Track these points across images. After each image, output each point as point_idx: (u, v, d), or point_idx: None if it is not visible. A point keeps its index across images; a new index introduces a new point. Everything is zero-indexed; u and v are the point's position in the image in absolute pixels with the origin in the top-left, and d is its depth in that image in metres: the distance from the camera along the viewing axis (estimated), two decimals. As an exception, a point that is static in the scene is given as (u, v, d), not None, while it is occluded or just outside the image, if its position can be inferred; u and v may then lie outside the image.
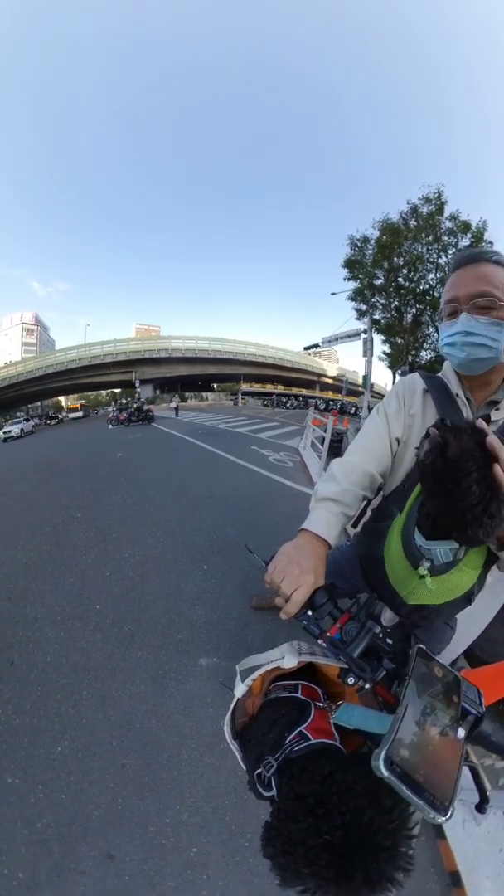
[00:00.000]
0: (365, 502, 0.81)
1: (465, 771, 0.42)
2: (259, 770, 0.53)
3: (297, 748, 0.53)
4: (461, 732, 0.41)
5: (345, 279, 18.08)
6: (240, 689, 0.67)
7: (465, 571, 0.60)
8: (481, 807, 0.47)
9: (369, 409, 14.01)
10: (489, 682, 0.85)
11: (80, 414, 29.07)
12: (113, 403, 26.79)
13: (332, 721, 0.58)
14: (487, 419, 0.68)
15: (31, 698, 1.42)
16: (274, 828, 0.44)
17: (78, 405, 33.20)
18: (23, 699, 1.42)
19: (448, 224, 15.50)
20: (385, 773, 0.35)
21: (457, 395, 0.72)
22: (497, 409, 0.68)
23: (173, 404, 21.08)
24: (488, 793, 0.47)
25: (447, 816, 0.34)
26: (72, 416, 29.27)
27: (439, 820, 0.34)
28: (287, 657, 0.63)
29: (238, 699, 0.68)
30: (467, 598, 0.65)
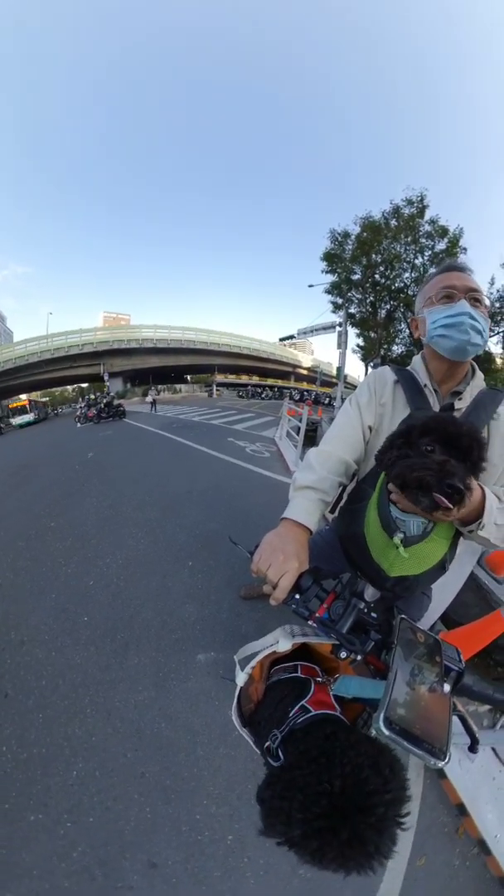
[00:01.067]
0: (341, 488, 0.86)
1: (455, 719, 0.47)
2: (267, 744, 0.57)
3: (300, 720, 0.57)
4: (447, 687, 0.46)
5: (323, 272, 18.19)
6: (241, 678, 0.70)
7: (436, 541, 0.66)
8: (473, 748, 0.53)
9: (343, 400, 14.51)
10: (465, 641, 0.99)
11: (29, 418, 19.12)
12: (80, 399, 22.60)
13: (331, 693, 0.63)
14: (451, 408, 0.75)
15: (34, 728, 1.37)
16: (276, 775, 0.47)
17: (26, 401, 21.84)
18: (25, 730, 1.36)
19: (427, 227, 16.10)
20: (386, 732, 0.39)
21: (425, 385, 0.78)
22: (460, 399, 0.75)
23: (149, 398, 17.69)
24: (477, 734, 0.53)
25: (445, 761, 0.39)
26: (17, 421, 18.97)
27: (439, 765, 0.39)
28: (281, 641, 0.68)
29: (241, 688, 0.71)
30: (442, 566, 0.72)
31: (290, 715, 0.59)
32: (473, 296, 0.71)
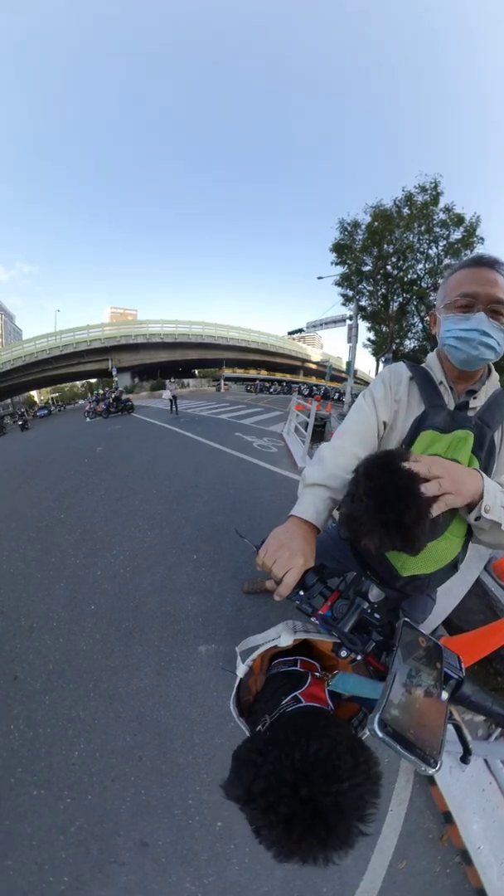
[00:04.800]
0: None
1: (449, 727, 0.46)
2: (258, 728, 0.58)
3: (289, 709, 0.58)
4: (444, 695, 0.45)
5: (332, 263, 17.65)
6: (241, 670, 0.71)
7: (450, 539, 0.66)
8: (465, 758, 0.52)
9: (353, 395, 14.22)
10: (467, 649, 0.97)
11: None
12: (89, 395, 22.79)
13: (328, 688, 0.63)
14: (466, 406, 0.74)
15: (40, 709, 1.44)
16: (257, 736, 0.49)
17: None
18: (32, 711, 1.43)
19: (441, 216, 15.36)
20: (380, 734, 0.38)
21: (440, 383, 0.77)
22: (475, 398, 0.74)
23: (167, 394, 12.41)
24: (470, 745, 0.53)
25: (436, 768, 0.38)
26: None
27: (430, 772, 0.38)
28: (283, 636, 0.68)
29: (241, 679, 0.72)
30: (454, 566, 0.72)
31: (282, 703, 0.60)
32: (494, 307, 0.67)
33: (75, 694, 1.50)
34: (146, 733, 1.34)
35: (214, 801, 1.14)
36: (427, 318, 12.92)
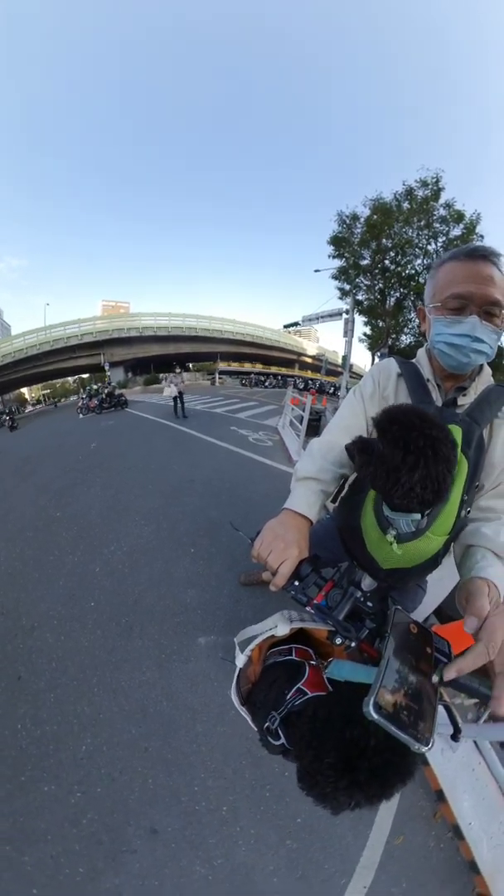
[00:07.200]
0: (343, 479, 0.85)
1: (441, 709, 0.48)
2: (266, 724, 0.61)
3: (297, 702, 0.60)
4: (435, 678, 0.47)
5: (330, 256, 17.38)
6: (240, 660, 0.73)
7: (431, 538, 0.66)
8: (455, 737, 0.55)
9: (348, 389, 13.95)
10: (456, 635, 1.01)
11: None
12: (82, 390, 22.11)
13: (325, 676, 0.64)
14: (454, 402, 0.73)
15: (45, 707, 1.46)
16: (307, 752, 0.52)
17: None
18: (38, 709, 1.45)
19: (442, 211, 15.09)
20: (375, 716, 0.40)
21: (428, 380, 0.76)
22: (464, 395, 0.73)
23: (171, 389, 9.39)
24: (460, 725, 0.55)
25: (429, 747, 0.40)
26: None
27: (423, 750, 0.40)
28: (280, 625, 0.70)
29: (240, 669, 0.74)
30: (435, 561, 0.73)
31: (288, 697, 0.62)
32: (488, 309, 0.63)
33: (79, 690, 1.52)
34: (150, 725, 1.38)
35: (219, 786, 1.19)
36: None
